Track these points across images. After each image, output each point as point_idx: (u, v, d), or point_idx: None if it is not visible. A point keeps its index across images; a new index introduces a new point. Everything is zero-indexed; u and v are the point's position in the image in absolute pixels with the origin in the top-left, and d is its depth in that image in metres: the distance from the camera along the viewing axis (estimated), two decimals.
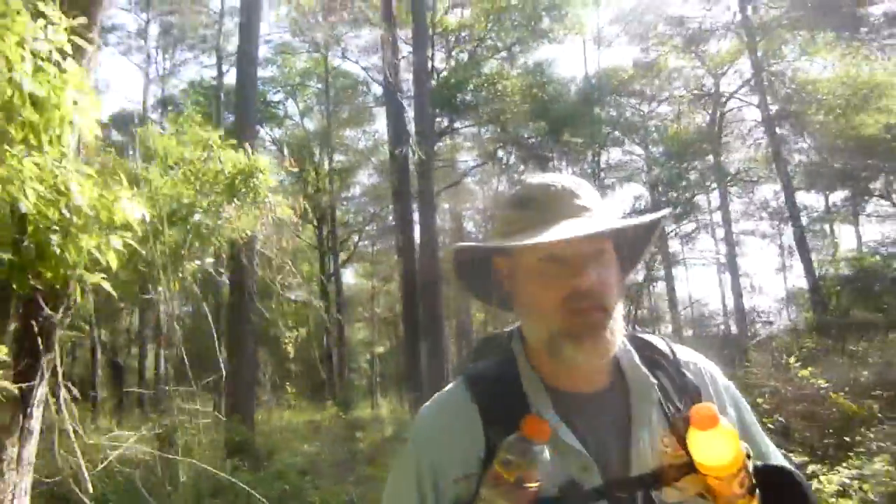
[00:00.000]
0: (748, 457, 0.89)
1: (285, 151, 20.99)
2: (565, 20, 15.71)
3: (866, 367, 7.08)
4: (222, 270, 4.86)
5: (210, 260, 3.85)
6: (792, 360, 6.67)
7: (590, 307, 0.96)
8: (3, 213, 1.66)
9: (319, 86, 23.19)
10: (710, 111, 19.12)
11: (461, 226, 25.24)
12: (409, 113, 14.10)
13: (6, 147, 1.54)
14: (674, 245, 22.78)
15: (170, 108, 21.90)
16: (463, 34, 16.59)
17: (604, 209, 1.03)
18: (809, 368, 6.35)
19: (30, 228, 1.74)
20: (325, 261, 24.93)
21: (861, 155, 15.57)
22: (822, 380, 6.03)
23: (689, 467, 0.91)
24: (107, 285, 1.96)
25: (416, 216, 14.37)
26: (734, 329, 19.14)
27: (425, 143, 12.92)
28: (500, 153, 18.87)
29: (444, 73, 16.39)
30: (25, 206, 1.57)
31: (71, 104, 1.65)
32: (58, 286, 1.87)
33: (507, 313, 1.15)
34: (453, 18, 17.23)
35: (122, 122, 19.56)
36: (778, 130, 17.15)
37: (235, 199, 3.34)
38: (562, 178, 1.06)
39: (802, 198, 19.96)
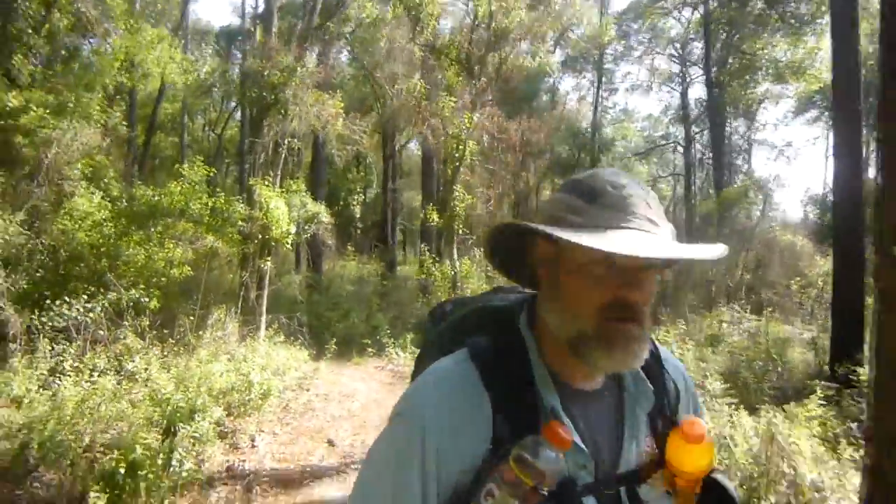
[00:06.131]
0: None
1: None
2: None
3: None
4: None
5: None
6: None
7: (630, 318, 1.00)
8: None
9: None
10: None
11: None
12: None
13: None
14: None
15: None
16: None
17: (667, 222, 1.04)
18: None
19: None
20: (386, 139, 32.10)
21: None
22: None
23: (659, 464, 1.08)
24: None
25: None
26: None
27: None
28: None
29: None
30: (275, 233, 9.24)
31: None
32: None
33: None
34: None
35: None
36: None
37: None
38: (635, 180, 1.06)
39: None
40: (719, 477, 1.09)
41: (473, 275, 6.92)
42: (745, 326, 13.09)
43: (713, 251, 1.00)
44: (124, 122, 12.76)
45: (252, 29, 20.06)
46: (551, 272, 1.07)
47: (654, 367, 1.17)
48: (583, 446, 1.02)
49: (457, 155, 6.90)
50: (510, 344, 1.09)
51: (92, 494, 4.26)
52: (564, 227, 1.00)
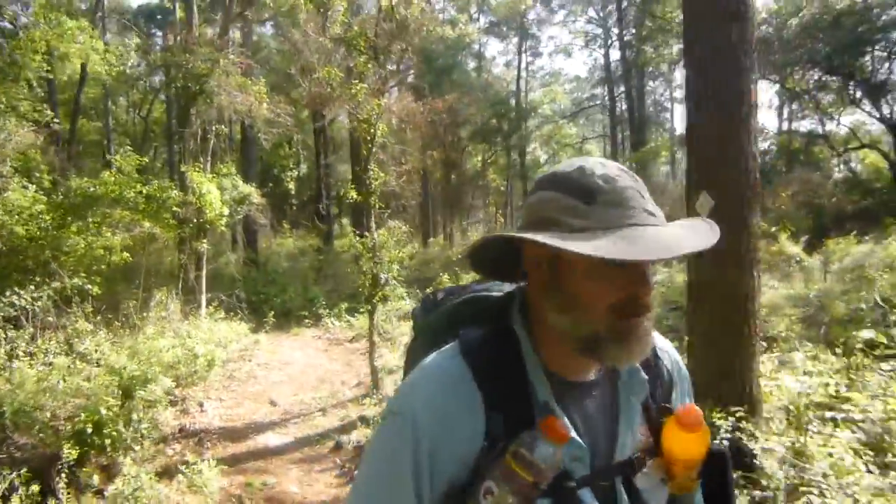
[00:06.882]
0: None
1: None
2: None
3: None
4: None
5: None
6: None
7: (642, 313, 0.99)
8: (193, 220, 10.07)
9: None
10: None
11: None
12: None
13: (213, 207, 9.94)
14: None
15: None
16: None
17: (657, 206, 1.02)
18: None
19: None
20: (316, 115, 32.51)
21: None
22: None
23: (654, 452, 1.08)
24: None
25: None
26: None
27: None
28: None
29: None
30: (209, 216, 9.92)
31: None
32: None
33: None
34: None
35: None
36: None
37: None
38: (621, 168, 1.04)
39: None
40: (719, 447, 1.14)
41: (389, 244, 7.87)
42: (658, 279, 14.41)
43: (714, 233, 1.00)
44: (56, 120, 13.02)
45: (172, 7, 20.16)
46: (550, 272, 1.03)
47: (649, 354, 1.11)
48: (579, 439, 1.02)
49: (369, 138, 7.70)
50: (502, 338, 1.08)
51: (64, 451, 5.06)
52: (563, 229, 0.97)
